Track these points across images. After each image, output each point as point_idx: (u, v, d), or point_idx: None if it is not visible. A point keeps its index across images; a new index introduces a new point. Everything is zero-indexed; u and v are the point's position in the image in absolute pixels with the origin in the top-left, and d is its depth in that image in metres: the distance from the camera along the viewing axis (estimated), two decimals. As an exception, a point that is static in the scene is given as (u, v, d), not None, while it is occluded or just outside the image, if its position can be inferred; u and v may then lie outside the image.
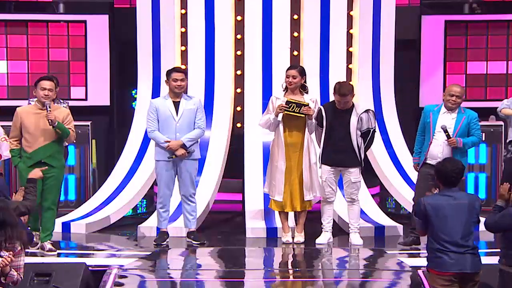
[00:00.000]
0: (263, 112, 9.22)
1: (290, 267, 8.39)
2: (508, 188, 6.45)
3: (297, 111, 8.66)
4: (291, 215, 9.17)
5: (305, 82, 8.87)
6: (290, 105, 8.65)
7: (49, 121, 8.13)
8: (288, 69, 8.94)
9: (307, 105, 8.68)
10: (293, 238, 8.98)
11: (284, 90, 8.91)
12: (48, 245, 8.39)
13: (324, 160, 8.81)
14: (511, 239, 6.25)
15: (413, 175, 9.38)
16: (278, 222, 9.30)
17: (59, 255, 8.36)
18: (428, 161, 8.49)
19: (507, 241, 6.30)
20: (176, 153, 8.70)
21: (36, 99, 8.55)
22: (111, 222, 9.77)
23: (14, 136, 8.37)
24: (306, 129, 8.79)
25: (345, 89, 8.66)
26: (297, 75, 8.80)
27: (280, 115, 8.73)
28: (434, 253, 6.25)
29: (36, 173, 7.15)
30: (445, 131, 8.42)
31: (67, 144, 9.00)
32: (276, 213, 9.21)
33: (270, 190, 8.95)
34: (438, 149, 8.48)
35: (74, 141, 8.92)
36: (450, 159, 6.54)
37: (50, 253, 8.30)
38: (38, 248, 8.40)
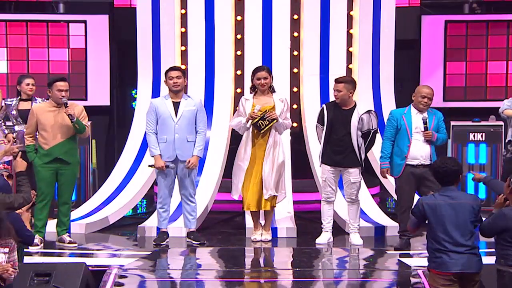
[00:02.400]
0: None
1: (290, 267, 8.39)
2: (508, 184, 6.44)
3: (266, 123, 8.68)
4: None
5: (272, 81, 8.86)
6: (258, 123, 8.65)
7: (69, 115, 8.44)
8: (257, 71, 8.86)
9: (267, 110, 8.66)
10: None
11: (252, 92, 8.89)
12: (67, 238, 8.72)
13: (324, 160, 8.81)
14: (506, 239, 6.25)
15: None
16: (277, 222, 9.30)
17: (60, 255, 8.42)
18: (409, 162, 8.55)
19: (502, 241, 6.30)
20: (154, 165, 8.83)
21: (17, 98, 9.34)
22: (111, 222, 9.77)
23: (30, 133, 8.68)
24: (273, 129, 8.80)
25: (342, 77, 8.73)
26: (268, 76, 8.80)
27: (250, 121, 8.76)
28: (434, 253, 6.25)
29: (21, 165, 7.12)
30: (425, 122, 8.54)
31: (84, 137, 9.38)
32: (279, 211, 9.21)
33: (231, 188, 8.99)
34: (418, 150, 8.54)
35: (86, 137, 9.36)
36: (447, 158, 6.53)
37: (71, 245, 8.65)
38: (58, 241, 8.72)
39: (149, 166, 9.08)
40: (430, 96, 8.62)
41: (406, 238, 8.64)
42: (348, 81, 8.75)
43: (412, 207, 6.45)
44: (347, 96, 8.67)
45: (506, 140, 9.62)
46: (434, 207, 6.25)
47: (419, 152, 8.53)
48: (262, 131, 8.73)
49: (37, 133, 8.64)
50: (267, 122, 8.70)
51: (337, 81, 8.71)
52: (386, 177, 8.89)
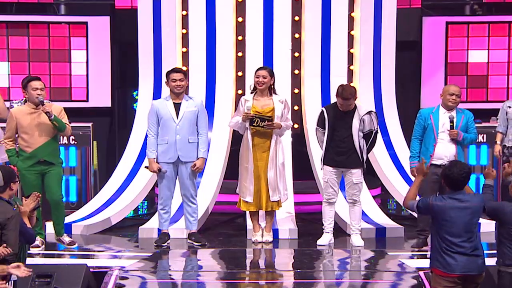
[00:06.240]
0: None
1: (291, 268, 8.40)
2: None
3: (261, 125, 8.71)
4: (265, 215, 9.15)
5: (273, 83, 8.89)
6: (254, 119, 8.71)
7: (47, 113, 8.32)
8: (258, 69, 8.95)
9: (271, 119, 8.71)
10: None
11: (252, 92, 8.92)
12: (67, 238, 8.69)
13: (327, 161, 8.81)
14: (505, 235, 6.27)
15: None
16: (278, 223, 9.31)
17: (60, 256, 8.42)
18: (434, 162, 8.51)
19: (501, 237, 6.32)
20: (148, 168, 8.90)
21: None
22: (112, 223, 9.76)
23: (9, 137, 8.57)
24: (274, 132, 8.84)
25: (348, 92, 8.63)
26: (267, 76, 8.83)
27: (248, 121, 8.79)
28: (440, 254, 6.26)
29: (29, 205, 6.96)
30: (451, 121, 8.52)
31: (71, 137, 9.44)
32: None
33: (240, 191, 8.97)
34: (444, 150, 8.51)
35: (71, 135, 9.48)
36: (457, 163, 6.53)
37: (71, 246, 8.62)
38: (56, 241, 8.69)
39: (145, 167, 9.10)
40: (458, 93, 8.62)
41: (424, 237, 8.62)
42: (354, 92, 8.69)
43: (418, 202, 6.43)
44: (352, 106, 8.70)
45: (502, 144, 9.62)
46: (443, 209, 6.27)
47: (444, 152, 8.49)
48: (252, 127, 8.75)
49: (17, 137, 8.53)
50: (262, 125, 8.72)
51: (346, 98, 8.56)
52: (415, 176, 8.84)
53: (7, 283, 5.75)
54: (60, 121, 8.45)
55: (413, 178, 9.29)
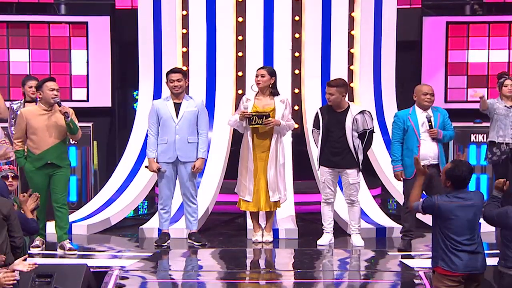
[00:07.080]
0: None
1: (291, 268, 8.40)
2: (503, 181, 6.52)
3: (260, 122, 8.70)
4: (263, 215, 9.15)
5: (275, 83, 8.87)
6: (252, 118, 8.69)
7: (65, 113, 8.20)
8: (258, 68, 8.95)
9: (269, 116, 8.70)
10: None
11: (255, 92, 8.92)
12: (67, 245, 8.48)
13: (322, 162, 8.81)
14: (508, 238, 6.27)
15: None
16: (278, 223, 9.31)
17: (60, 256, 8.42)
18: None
19: (504, 240, 6.33)
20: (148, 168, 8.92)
21: (20, 101, 9.23)
22: (113, 223, 9.77)
23: (19, 137, 8.43)
24: (275, 132, 8.83)
25: (333, 81, 8.71)
26: (266, 74, 8.81)
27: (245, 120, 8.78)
28: (445, 253, 6.27)
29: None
30: (429, 121, 8.53)
31: (74, 141, 9.37)
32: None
33: (240, 190, 8.96)
34: (427, 150, 8.51)
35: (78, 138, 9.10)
36: (461, 162, 6.53)
37: (71, 252, 8.39)
38: (59, 248, 8.48)
39: (145, 167, 9.12)
40: (431, 92, 8.64)
41: (408, 238, 8.64)
42: (340, 84, 8.69)
43: (423, 202, 6.42)
44: (339, 99, 8.66)
45: (488, 142, 9.57)
46: (449, 209, 6.27)
47: (428, 152, 8.50)
48: (251, 126, 8.74)
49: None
50: (260, 122, 8.71)
51: (330, 84, 8.67)
52: (400, 180, 8.78)
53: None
54: (74, 124, 8.34)
55: (396, 183, 9.33)
